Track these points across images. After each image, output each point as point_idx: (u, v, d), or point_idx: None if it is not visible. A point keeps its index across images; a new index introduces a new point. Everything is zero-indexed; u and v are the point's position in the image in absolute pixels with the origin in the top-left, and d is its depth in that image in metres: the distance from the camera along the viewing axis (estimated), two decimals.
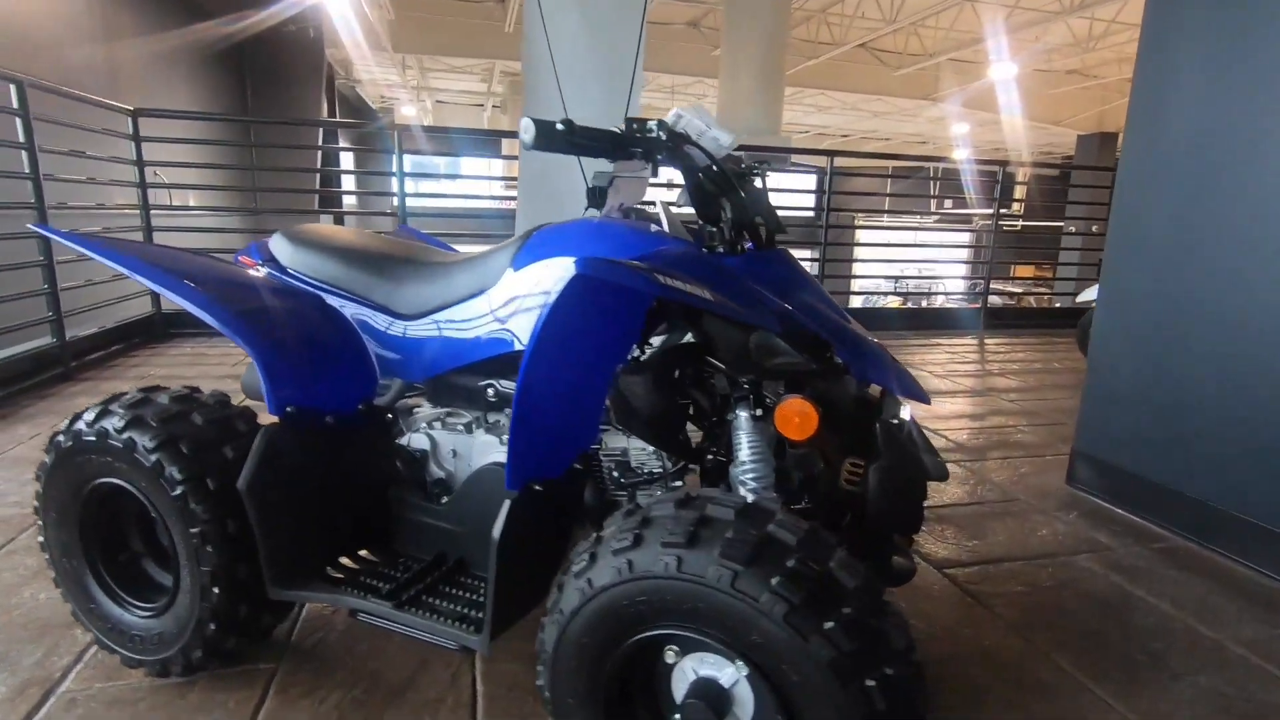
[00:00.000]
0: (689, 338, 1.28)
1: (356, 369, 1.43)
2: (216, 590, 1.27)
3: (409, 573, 1.33)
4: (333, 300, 1.48)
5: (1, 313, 3.26)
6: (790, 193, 6.89)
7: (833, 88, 15.62)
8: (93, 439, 1.30)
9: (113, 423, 1.28)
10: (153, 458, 1.24)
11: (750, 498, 1.12)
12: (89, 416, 1.31)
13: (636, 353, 1.25)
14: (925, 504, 1.65)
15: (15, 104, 3.23)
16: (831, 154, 5.50)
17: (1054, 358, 4.95)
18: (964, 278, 6.24)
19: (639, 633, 0.95)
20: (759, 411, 1.21)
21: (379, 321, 1.45)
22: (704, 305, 1.05)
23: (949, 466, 2.84)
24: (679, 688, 1.01)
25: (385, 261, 1.48)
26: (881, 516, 1.19)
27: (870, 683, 0.83)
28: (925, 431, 1.35)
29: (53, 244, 3.23)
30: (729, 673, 0.96)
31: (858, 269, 7.22)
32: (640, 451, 1.39)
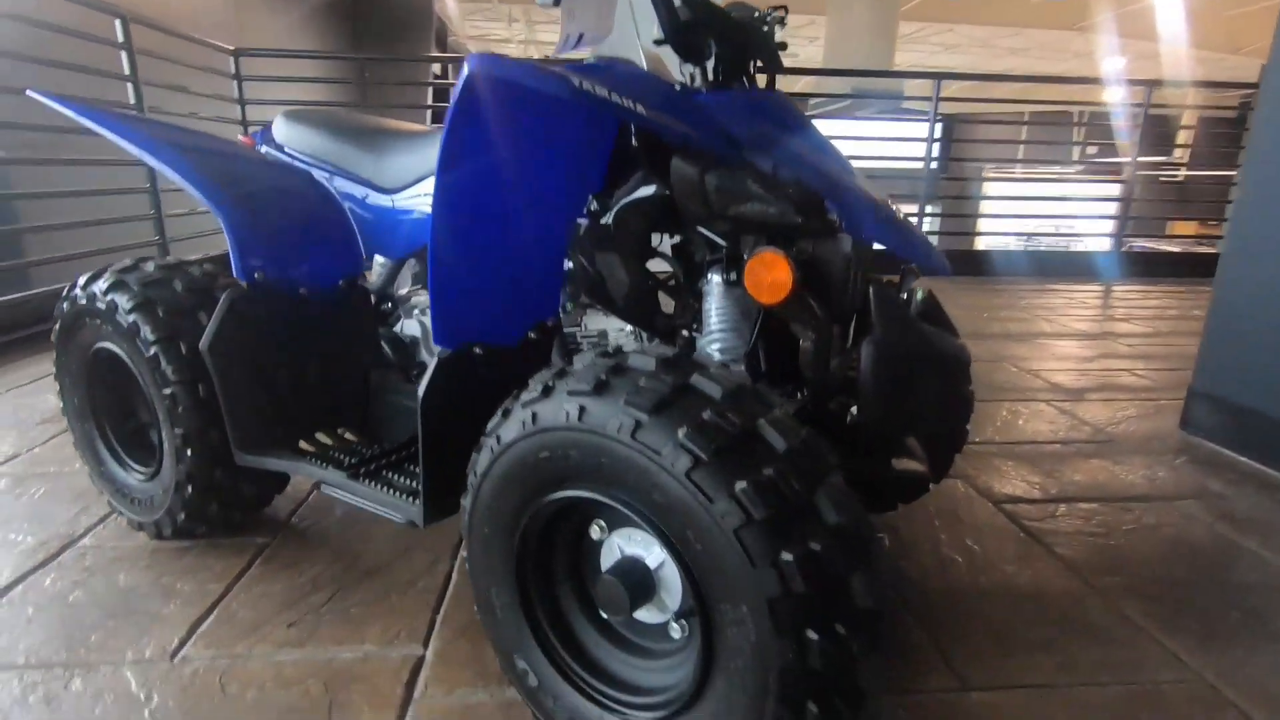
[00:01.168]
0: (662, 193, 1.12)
1: (337, 244, 1.38)
2: (190, 453, 1.28)
3: (378, 451, 1.28)
4: (320, 175, 1.44)
5: (111, 233, 3.56)
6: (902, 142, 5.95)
7: (961, 20, 14.19)
8: (85, 303, 1.33)
9: (100, 286, 1.30)
10: (130, 319, 1.25)
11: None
12: (83, 281, 1.34)
13: (595, 206, 1.11)
14: (969, 419, 1.43)
15: (120, 38, 3.46)
16: (939, 76, 4.96)
17: (1195, 305, 4.29)
18: (1108, 235, 5.44)
19: (548, 494, 0.83)
20: (733, 276, 1.04)
21: (363, 195, 1.39)
22: (638, 120, 0.89)
23: (1035, 408, 2.53)
24: (606, 567, 0.89)
25: (372, 135, 1.41)
26: (876, 404, 1.00)
27: (786, 557, 0.68)
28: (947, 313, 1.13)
29: (158, 173, 3.48)
30: (656, 552, 0.83)
31: (983, 225, 6.55)
32: (621, 334, 1.26)
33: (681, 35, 1.02)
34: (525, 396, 0.85)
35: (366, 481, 1.18)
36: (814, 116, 5.85)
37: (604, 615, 0.89)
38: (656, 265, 1.21)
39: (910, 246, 1.01)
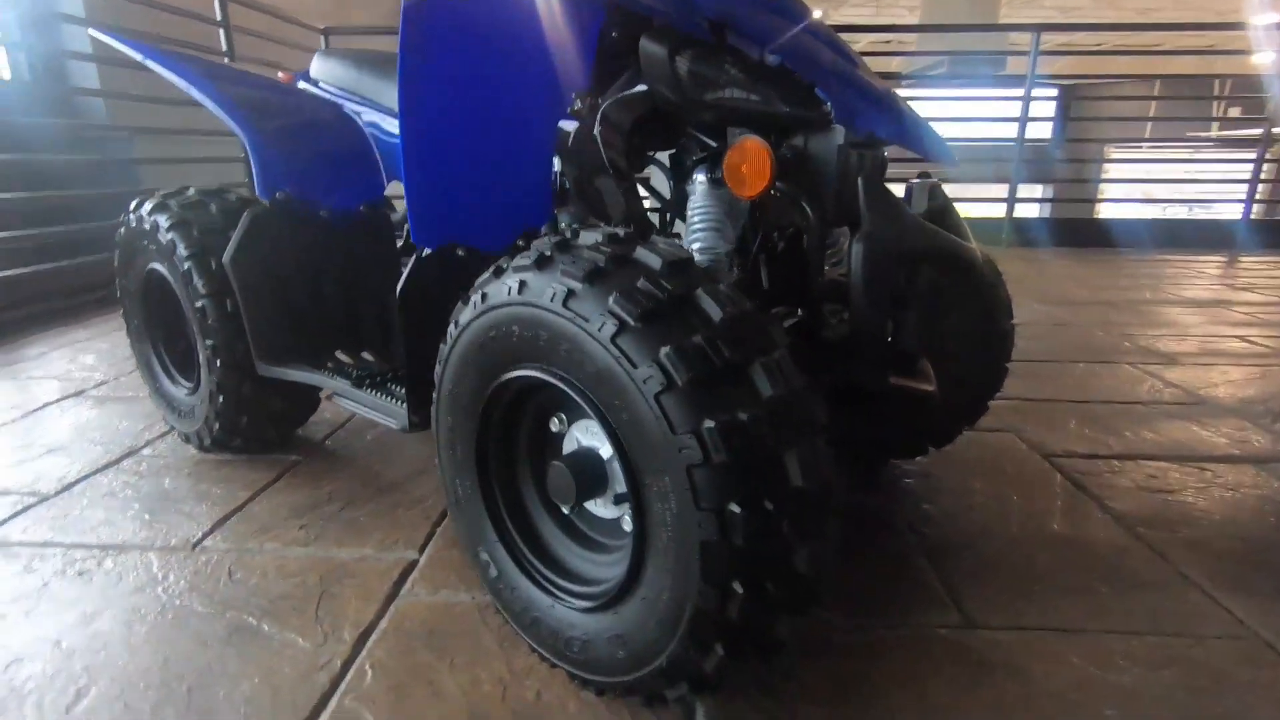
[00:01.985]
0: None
1: (358, 169, 1.42)
2: (219, 364, 1.36)
3: (389, 370, 1.32)
4: (349, 107, 1.48)
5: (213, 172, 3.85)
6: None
7: None
8: (136, 225, 1.43)
9: (147, 208, 1.40)
10: (169, 237, 1.34)
11: None
12: (134, 205, 1.45)
13: (580, 106, 1.08)
14: (1010, 348, 1.32)
15: (218, 15, 3.72)
16: (1039, 28, 4.57)
17: None
18: (1240, 200, 4.78)
19: (499, 376, 0.82)
20: (718, 174, 0.99)
21: (389, 126, 1.42)
22: None
23: (1118, 369, 2.28)
24: None
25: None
26: (863, 308, 0.92)
27: (709, 424, 0.63)
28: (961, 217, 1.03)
29: None
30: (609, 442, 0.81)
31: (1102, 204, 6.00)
32: None
33: None
34: (480, 279, 0.84)
35: (369, 390, 1.21)
36: (906, 90, 5.53)
37: (559, 506, 0.88)
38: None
39: (911, 137, 0.92)
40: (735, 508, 0.64)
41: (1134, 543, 1.23)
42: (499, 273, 0.81)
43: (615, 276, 0.70)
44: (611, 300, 0.68)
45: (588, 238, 0.77)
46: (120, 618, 1.04)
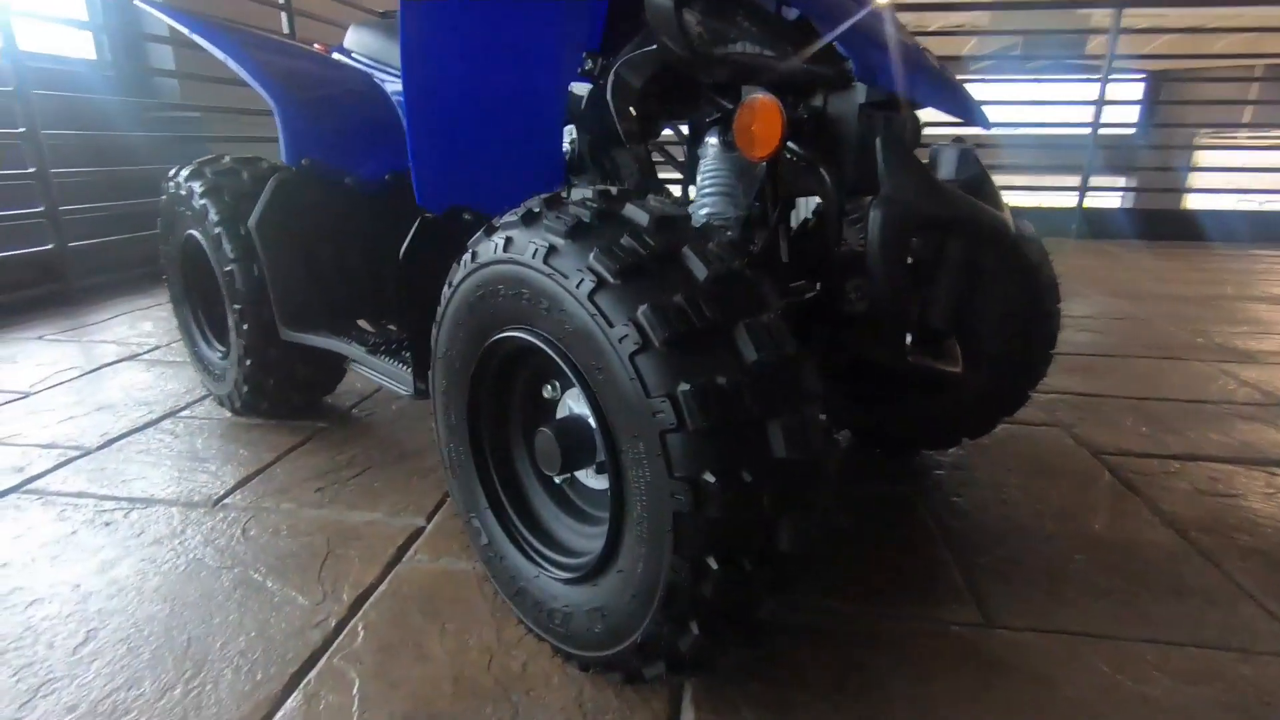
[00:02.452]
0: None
1: (387, 140, 1.42)
2: (245, 327, 1.39)
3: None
4: (379, 77, 1.49)
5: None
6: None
7: None
8: (174, 191, 1.47)
9: (184, 175, 1.44)
10: (202, 202, 1.38)
11: None
12: (172, 172, 1.49)
13: (590, 66, 1.04)
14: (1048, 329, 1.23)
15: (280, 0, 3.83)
16: (1121, 3, 4.27)
17: None
18: None
19: (489, 337, 0.80)
20: (731, 136, 0.94)
21: None
22: None
23: (1187, 366, 2.11)
24: None
25: None
26: (881, 279, 0.87)
27: (684, 387, 0.60)
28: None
29: None
30: None
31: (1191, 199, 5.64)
32: None
33: None
34: (472, 239, 0.82)
35: (382, 357, 1.22)
36: (970, 76, 5.28)
37: (548, 474, 0.85)
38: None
39: (940, 95, 0.85)
40: (710, 477, 0.60)
41: (1185, 547, 1.13)
42: (490, 231, 0.79)
43: (598, 232, 0.67)
44: (592, 256, 0.65)
45: (578, 194, 0.74)
46: (137, 567, 1.07)
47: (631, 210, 0.69)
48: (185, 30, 1.45)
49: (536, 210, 0.73)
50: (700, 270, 0.64)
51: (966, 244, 0.91)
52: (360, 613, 0.97)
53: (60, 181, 2.66)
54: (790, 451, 0.62)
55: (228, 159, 1.47)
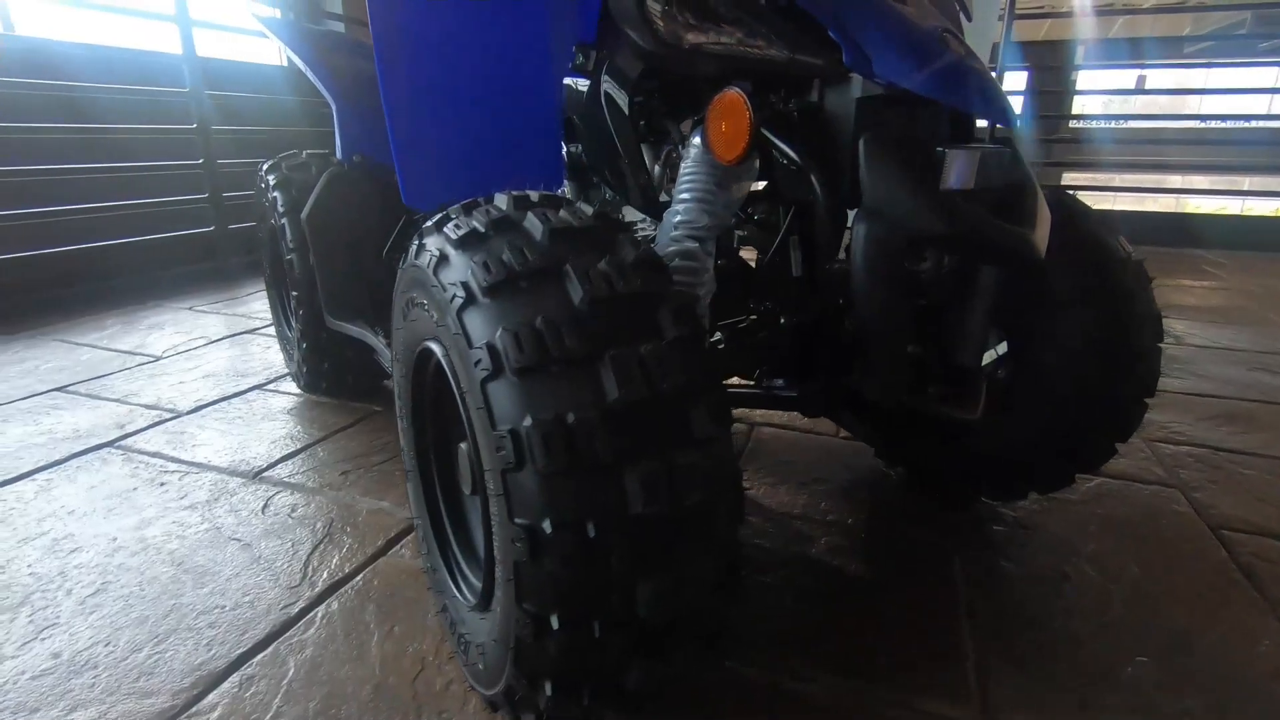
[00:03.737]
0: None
1: None
2: (301, 312, 1.48)
3: None
4: None
5: None
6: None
7: None
8: (259, 183, 1.60)
9: (265, 169, 1.56)
10: (273, 194, 1.48)
11: (674, 264, 0.81)
12: (261, 166, 1.62)
13: (582, 61, 0.97)
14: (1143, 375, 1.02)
15: None
16: None
17: None
18: None
19: (416, 347, 0.77)
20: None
21: None
22: None
23: None
24: None
25: None
26: (867, 307, 0.74)
27: (527, 422, 0.53)
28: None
29: None
30: None
31: None
32: (644, 224, 1.12)
33: None
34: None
35: None
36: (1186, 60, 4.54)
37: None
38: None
39: (951, 88, 0.71)
40: (548, 527, 0.53)
41: None
42: (422, 235, 0.76)
43: (486, 243, 0.62)
44: (469, 269, 0.59)
45: (501, 198, 0.69)
46: (166, 529, 1.17)
47: (531, 220, 0.63)
48: (267, 31, 1.56)
49: (451, 214, 0.69)
50: (577, 292, 0.57)
51: (992, 267, 0.75)
52: (325, 603, 0.99)
53: (224, 171, 3.02)
54: (649, 506, 0.53)
55: (304, 154, 1.57)
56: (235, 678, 0.85)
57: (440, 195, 0.98)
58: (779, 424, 1.58)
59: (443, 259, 0.63)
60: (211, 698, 0.82)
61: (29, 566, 1.06)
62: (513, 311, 0.56)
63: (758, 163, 0.84)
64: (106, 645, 0.90)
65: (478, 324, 0.57)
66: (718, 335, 0.93)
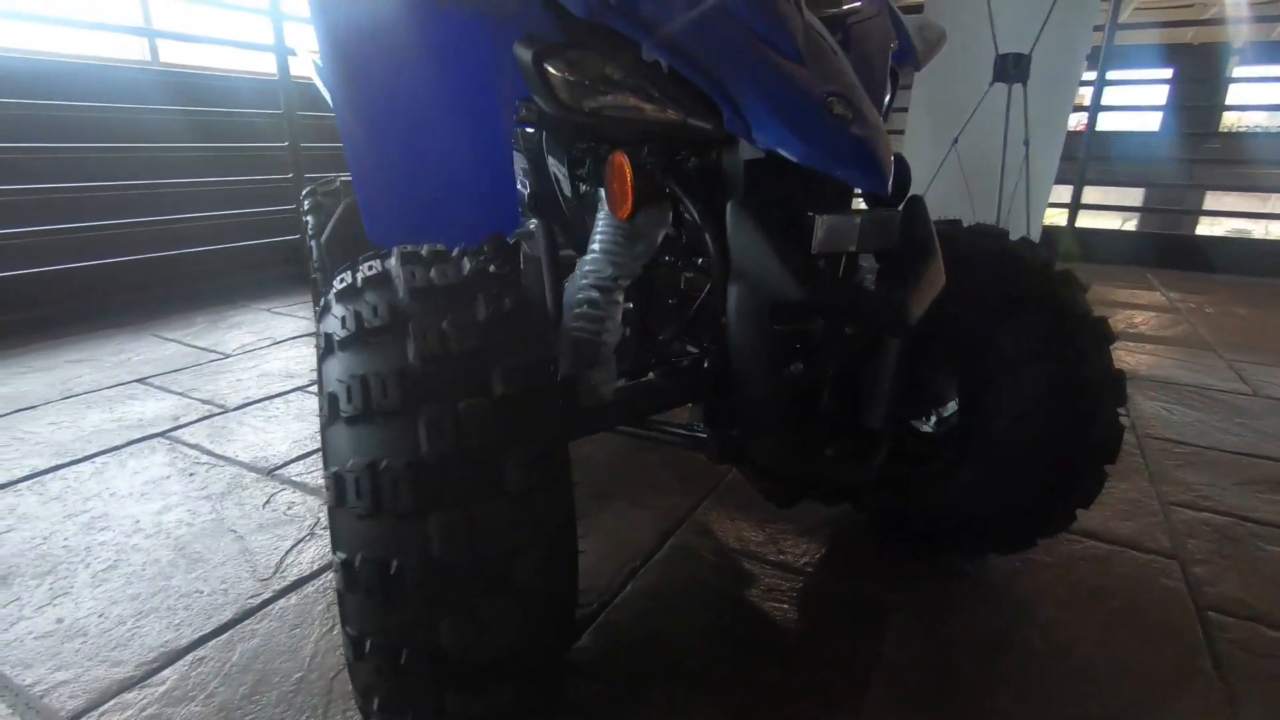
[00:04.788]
0: None
1: None
2: None
3: None
4: None
5: None
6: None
7: None
8: (299, 205, 1.77)
9: (306, 191, 1.72)
10: (307, 218, 1.64)
11: (581, 310, 0.85)
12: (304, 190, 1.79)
13: (525, 113, 1.03)
14: None
15: None
16: None
17: None
18: None
19: None
20: None
21: None
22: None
23: None
24: None
25: None
26: (741, 370, 0.76)
27: (349, 465, 0.59)
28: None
29: None
30: None
31: None
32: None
33: None
34: None
35: None
36: None
37: None
38: None
39: (824, 155, 0.71)
40: (358, 561, 0.59)
41: None
42: None
43: (356, 297, 0.69)
44: (333, 321, 0.67)
45: (395, 254, 0.76)
46: (180, 516, 1.33)
47: (399, 277, 0.69)
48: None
49: (349, 265, 0.77)
50: (410, 348, 0.63)
51: (882, 332, 0.75)
52: (286, 597, 1.10)
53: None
54: (447, 552, 0.58)
55: (338, 181, 1.72)
56: (189, 657, 0.97)
57: (401, 234, 1.07)
58: None
59: (325, 308, 0.71)
60: (166, 672, 0.94)
61: (64, 540, 1.24)
62: (354, 364, 0.63)
63: (669, 215, 0.87)
64: (100, 617, 1.05)
65: (328, 372, 0.64)
66: (650, 375, 0.96)
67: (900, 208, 0.82)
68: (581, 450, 1.54)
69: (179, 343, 2.41)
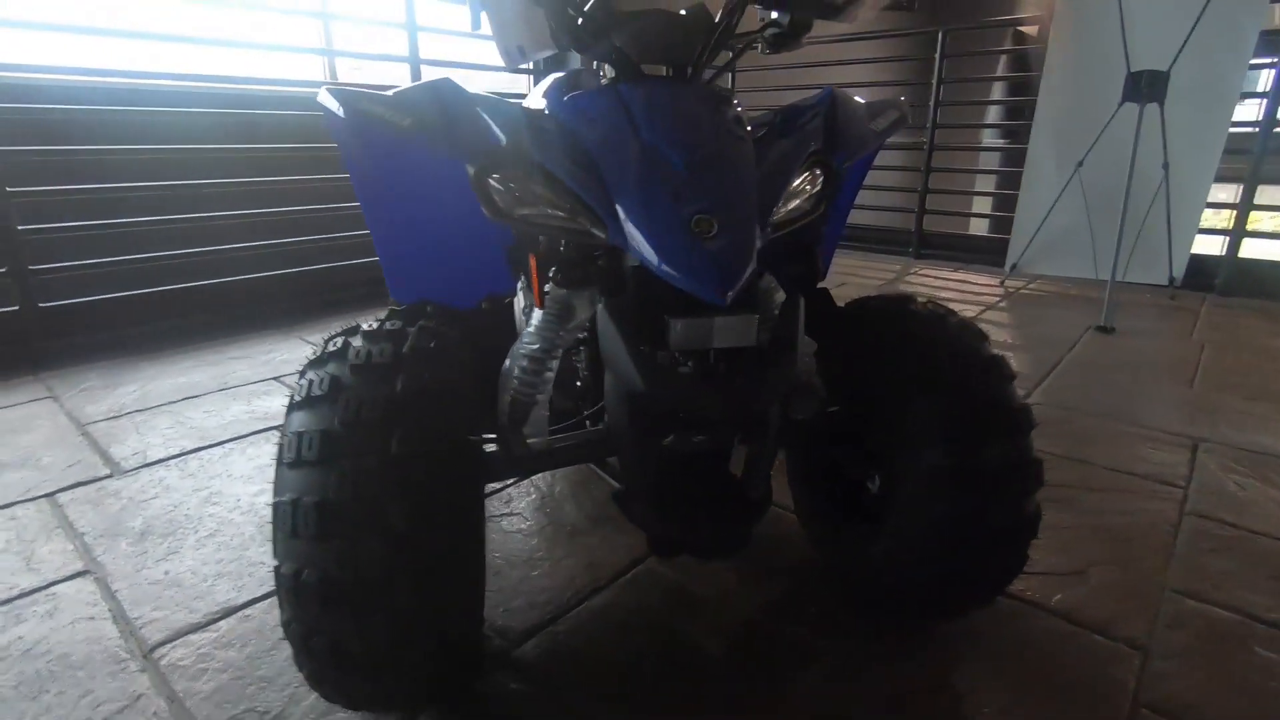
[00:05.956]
0: None
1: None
2: None
3: None
4: None
5: None
6: None
7: None
8: None
9: None
10: None
11: (516, 375, 1.04)
12: None
13: None
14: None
15: None
16: None
17: None
18: None
19: None
20: (560, 275, 1.05)
21: None
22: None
23: None
24: None
25: None
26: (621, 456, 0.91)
27: (283, 499, 0.82)
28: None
29: None
30: None
31: None
32: None
33: (580, 41, 1.05)
34: None
35: None
36: None
37: None
38: None
39: (678, 271, 0.82)
40: (283, 570, 0.82)
41: None
42: None
43: (320, 366, 0.92)
44: (300, 382, 0.90)
45: (368, 328, 0.98)
46: (269, 497, 1.67)
47: (352, 353, 0.91)
48: None
49: (338, 333, 1.00)
50: (338, 414, 0.84)
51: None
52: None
53: None
54: (337, 571, 0.79)
55: None
56: (240, 614, 1.27)
57: (418, 291, 1.31)
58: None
59: (304, 368, 0.94)
60: (221, 623, 1.25)
61: (187, 510, 1.62)
62: (299, 422, 0.86)
63: (591, 301, 1.02)
64: (192, 574, 1.39)
65: (285, 425, 0.88)
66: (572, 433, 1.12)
67: (785, 305, 0.92)
68: (585, 476, 1.72)
69: (314, 345, 2.88)
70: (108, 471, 1.80)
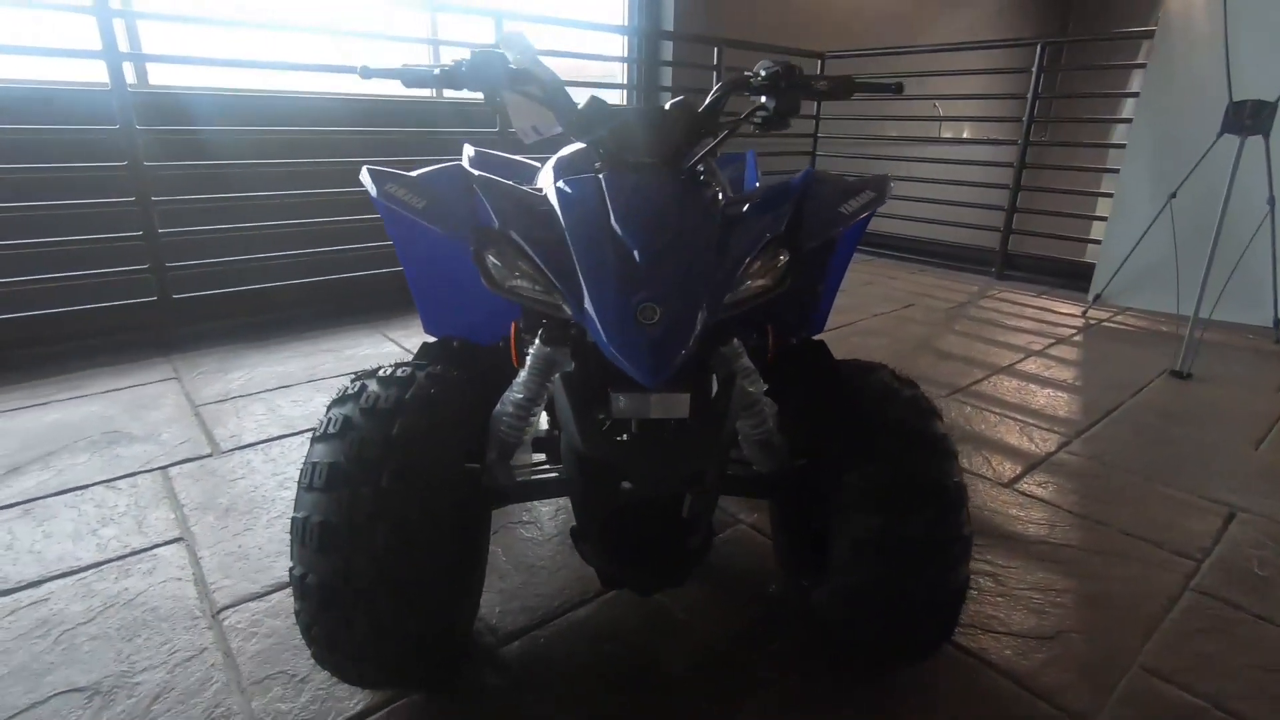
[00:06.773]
0: None
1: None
2: None
3: None
4: None
5: None
6: None
7: None
8: None
9: None
10: None
11: (503, 418, 1.21)
12: None
13: None
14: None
15: (715, 61, 4.59)
16: None
17: None
18: None
19: None
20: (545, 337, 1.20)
21: None
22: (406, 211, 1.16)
23: None
24: None
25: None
26: (568, 479, 1.07)
27: (298, 516, 1.03)
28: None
29: None
30: None
31: None
32: None
33: (578, 130, 1.21)
34: None
35: None
36: None
37: None
38: None
39: (620, 354, 0.96)
40: (297, 572, 1.03)
41: None
42: None
43: (340, 405, 1.12)
44: (323, 419, 1.11)
45: (385, 373, 1.18)
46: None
47: (364, 398, 1.11)
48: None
49: (360, 375, 1.21)
50: (344, 451, 1.05)
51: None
52: None
53: None
54: (331, 579, 0.99)
55: None
56: (288, 590, 1.53)
57: (447, 326, 1.51)
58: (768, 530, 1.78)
59: (330, 404, 1.16)
60: (274, 595, 1.51)
61: (265, 491, 1.92)
62: (317, 453, 1.07)
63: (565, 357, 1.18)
64: (259, 550, 1.67)
65: (307, 454, 1.09)
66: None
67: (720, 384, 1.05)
68: None
69: (395, 343, 3.20)
70: (209, 451, 2.14)
